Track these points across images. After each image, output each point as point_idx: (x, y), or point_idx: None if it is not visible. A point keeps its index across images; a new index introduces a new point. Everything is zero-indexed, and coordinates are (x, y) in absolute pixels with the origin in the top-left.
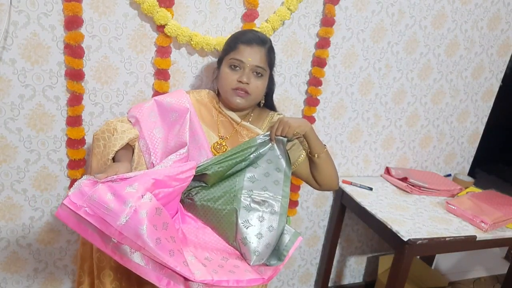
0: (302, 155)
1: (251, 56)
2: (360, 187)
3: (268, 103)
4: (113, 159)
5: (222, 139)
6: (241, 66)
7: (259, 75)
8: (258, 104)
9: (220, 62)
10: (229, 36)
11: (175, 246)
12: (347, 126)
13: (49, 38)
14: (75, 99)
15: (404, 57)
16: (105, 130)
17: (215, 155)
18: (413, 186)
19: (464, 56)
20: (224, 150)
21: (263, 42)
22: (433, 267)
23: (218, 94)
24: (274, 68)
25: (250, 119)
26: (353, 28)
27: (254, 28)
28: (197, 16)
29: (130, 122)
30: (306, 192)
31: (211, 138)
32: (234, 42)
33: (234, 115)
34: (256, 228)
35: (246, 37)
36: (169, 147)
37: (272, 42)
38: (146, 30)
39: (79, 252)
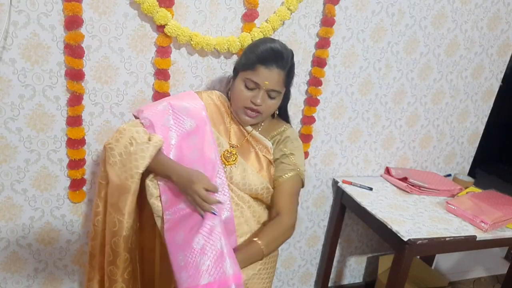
0: (288, 174)
1: (268, 79)
2: (360, 187)
3: (281, 113)
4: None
5: (232, 147)
6: (257, 87)
7: (273, 95)
8: (272, 116)
9: (236, 71)
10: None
11: None
12: (347, 126)
13: (49, 38)
14: (75, 99)
15: (404, 57)
16: (119, 138)
17: (224, 163)
18: (413, 186)
19: (464, 56)
20: (234, 159)
21: (284, 63)
22: (433, 267)
23: (230, 99)
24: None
25: (260, 129)
26: (353, 28)
27: (274, 39)
28: (197, 16)
29: (142, 124)
30: (306, 192)
31: (222, 146)
32: (253, 61)
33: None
34: None
35: (267, 59)
36: (185, 158)
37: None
38: (146, 30)
39: (88, 247)
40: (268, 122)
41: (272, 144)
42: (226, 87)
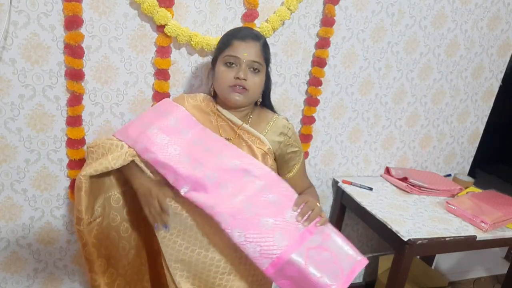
0: (297, 166)
1: (246, 51)
2: (360, 187)
3: (265, 102)
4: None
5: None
6: (237, 63)
7: (256, 70)
8: (255, 103)
9: (214, 61)
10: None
11: None
12: (347, 126)
13: (49, 38)
14: (75, 99)
15: (404, 57)
16: (100, 146)
17: None
18: (413, 186)
19: (464, 56)
20: None
21: (257, 37)
22: (433, 267)
23: (215, 96)
24: (271, 65)
25: (250, 121)
26: (353, 28)
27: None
28: (197, 16)
29: (139, 156)
30: None
31: None
32: (228, 39)
33: (234, 118)
34: None
35: (240, 33)
36: (198, 159)
37: (272, 42)
38: (146, 30)
39: (83, 255)
40: (256, 113)
41: (279, 140)
42: (208, 83)
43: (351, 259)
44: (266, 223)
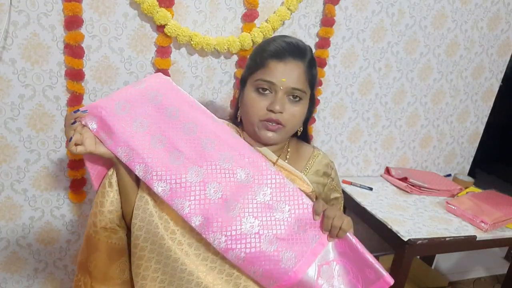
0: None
1: (285, 75)
2: (360, 187)
3: (303, 131)
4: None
5: None
6: (272, 89)
7: (297, 99)
8: (295, 133)
9: (243, 81)
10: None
11: None
12: (347, 126)
13: (49, 38)
14: (75, 99)
15: (404, 57)
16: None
17: None
18: (413, 186)
19: (464, 56)
20: None
21: (301, 53)
22: (433, 267)
23: (241, 122)
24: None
25: (288, 156)
26: (353, 28)
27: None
28: (197, 16)
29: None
30: None
31: None
32: (262, 57)
33: (267, 152)
34: None
35: (278, 49)
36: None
37: None
38: (146, 30)
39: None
40: (293, 147)
41: (323, 183)
42: (236, 104)
43: (374, 274)
44: (269, 242)
